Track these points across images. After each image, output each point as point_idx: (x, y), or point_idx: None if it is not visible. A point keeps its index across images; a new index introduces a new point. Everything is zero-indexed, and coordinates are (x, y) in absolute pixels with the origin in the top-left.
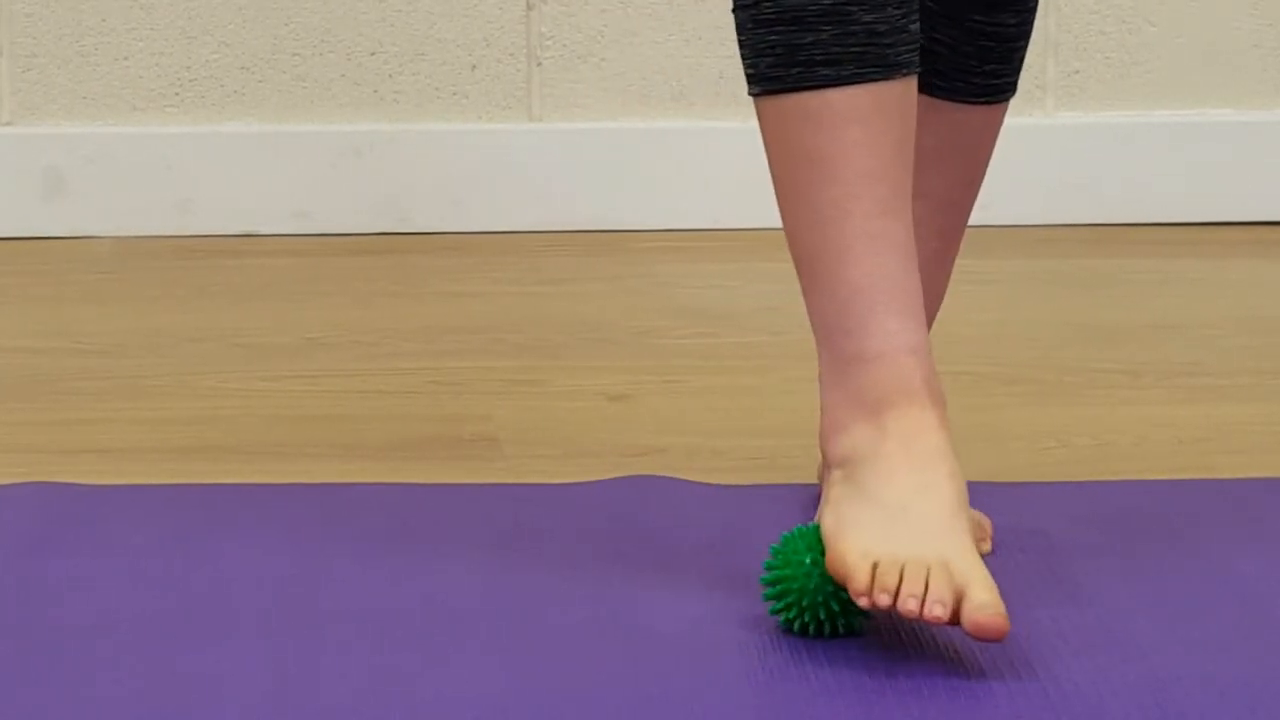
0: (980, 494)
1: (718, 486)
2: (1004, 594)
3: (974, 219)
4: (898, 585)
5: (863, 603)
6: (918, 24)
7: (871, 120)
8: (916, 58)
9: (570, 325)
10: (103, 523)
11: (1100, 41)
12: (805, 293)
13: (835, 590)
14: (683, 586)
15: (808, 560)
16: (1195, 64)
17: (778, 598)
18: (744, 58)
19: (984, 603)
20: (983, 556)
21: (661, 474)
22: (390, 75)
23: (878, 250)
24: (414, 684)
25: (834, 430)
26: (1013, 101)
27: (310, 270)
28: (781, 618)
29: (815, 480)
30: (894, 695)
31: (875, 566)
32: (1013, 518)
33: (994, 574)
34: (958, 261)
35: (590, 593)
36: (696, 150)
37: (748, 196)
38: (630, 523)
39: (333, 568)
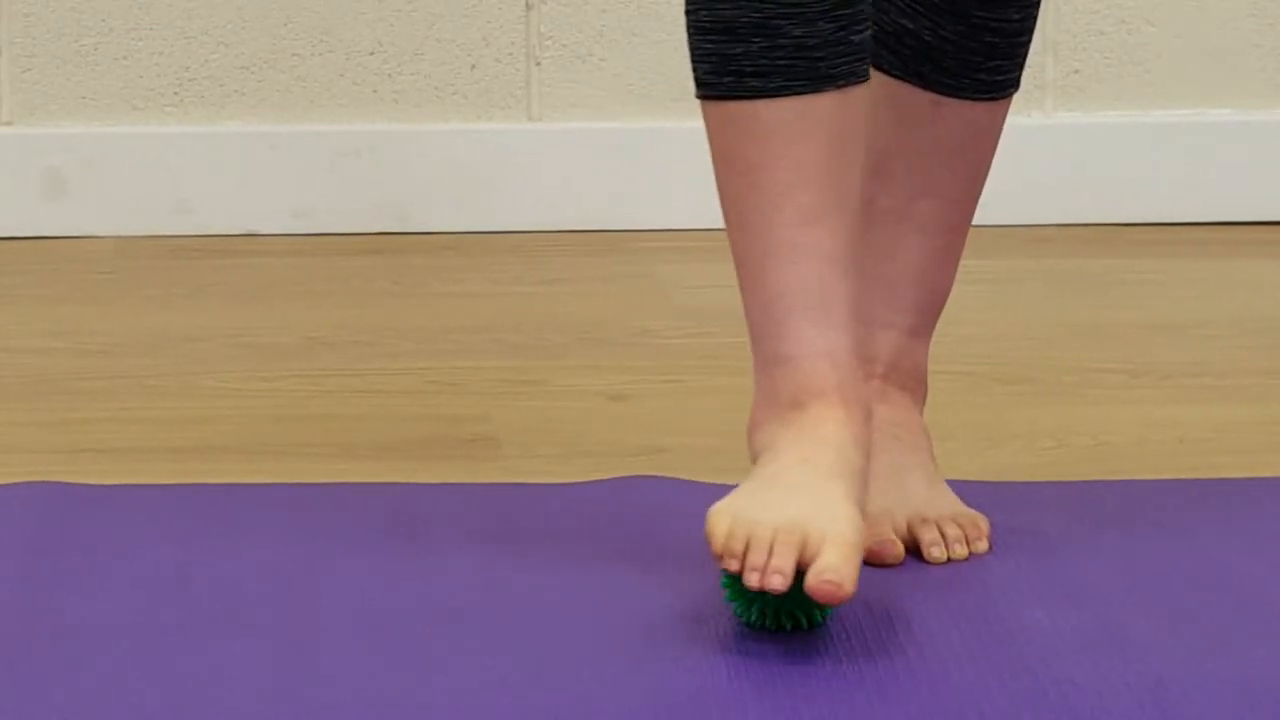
0: (979, 494)
1: (718, 486)
2: (1003, 594)
3: (974, 218)
4: (744, 553)
5: (721, 566)
6: (863, 33)
7: (797, 132)
8: (859, 66)
9: (570, 325)
10: (104, 523)
11: (1099, 41)
12: (741, 293)
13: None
14: (683, 586)
15: None
16: (1194, 64)
17: (739, 596)
18: (691, 61)
19: (824, 566)
20: (981, 557)
21: (661, 474)
22: (389, 75)
23: (797, 258)
24: (414, 684)
25: (753, 427)
26: (1012, 101)
27: (310, 270)
28: (737, 610)
29: None
30: (893, 693)
31: (731, 526)
32: (1012, 518)
33: (993, 574)
34: None
35: (590, 593)
36: (696, 150)
37: None
38: (630, 523)
39: (333, 568)
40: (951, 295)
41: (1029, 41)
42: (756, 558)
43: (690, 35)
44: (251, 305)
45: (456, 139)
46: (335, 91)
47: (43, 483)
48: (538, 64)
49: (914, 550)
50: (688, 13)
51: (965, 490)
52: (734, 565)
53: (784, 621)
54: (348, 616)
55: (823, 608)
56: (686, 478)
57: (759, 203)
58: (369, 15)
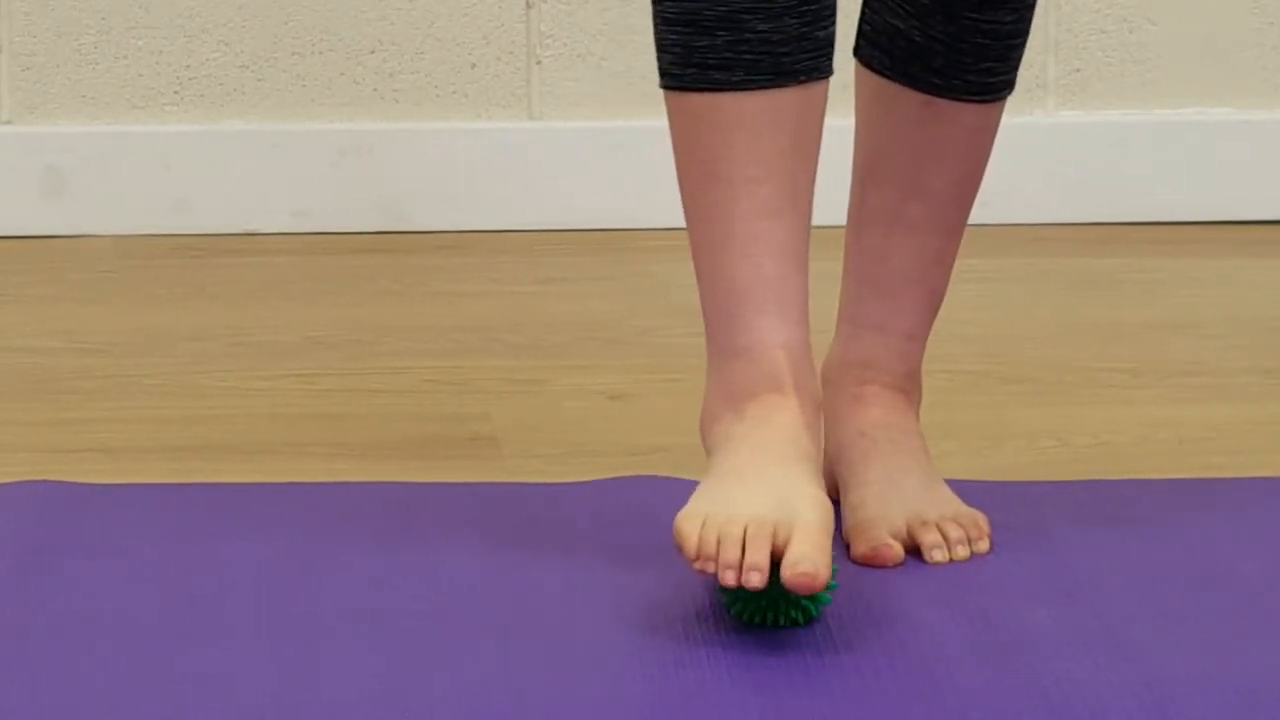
0: (979, 493)
1: None
2: (1003, 594)
3: (974, 218)
4: (716, 553)
5: (696, 568)
6: (828, 29)
7: (759, 125)
8: (823, 62)
9: (570, 325)
10: (103, 522)
11: (1101, 40)
12: (697, 283)
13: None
14: (682, 586)
15: None
16: (1196, 62)
17: (736, 597)
18: (656, 51)
19: (797, 557)
20: (982, 556)
21: (661, 474)
22: (390, 74)
23: (754, 251)
24: (414, 683)
25: (707, 420)
26: (1013, 100)
27: (310, 269)
28: (735, 611)
29: None
30: (894, 693)
31: (703, 529)
32: (1012, 517)
33: (993, 574)
34: (957, 260)
35: (590, 592)
36: None
37: None
38: (630, 523)
39: (332, 567)
40: (953, 295)
41: (1023, 44)
42: (731, 555)
43: (656, 27)
44: (251, 305)
45: (456, 138)
46: (335, 90)
47: (43, 482)
48: (538, 63)
49: (915, 553)
50: (654, 3)
51: (965, 490)
52: (711, 568)
53: (781, 617)
54: (348, 616)
55: (816, 599)
56: (686, 477)
57: (719, 195)
58: (369, 14)
